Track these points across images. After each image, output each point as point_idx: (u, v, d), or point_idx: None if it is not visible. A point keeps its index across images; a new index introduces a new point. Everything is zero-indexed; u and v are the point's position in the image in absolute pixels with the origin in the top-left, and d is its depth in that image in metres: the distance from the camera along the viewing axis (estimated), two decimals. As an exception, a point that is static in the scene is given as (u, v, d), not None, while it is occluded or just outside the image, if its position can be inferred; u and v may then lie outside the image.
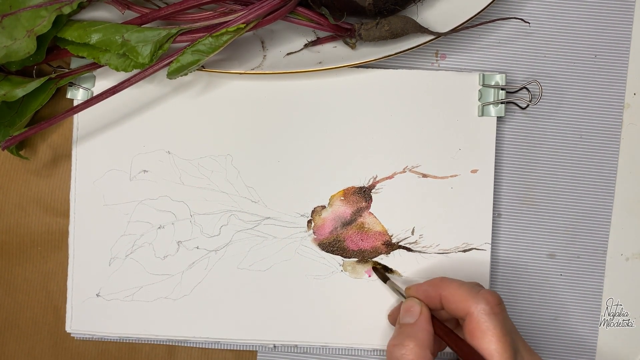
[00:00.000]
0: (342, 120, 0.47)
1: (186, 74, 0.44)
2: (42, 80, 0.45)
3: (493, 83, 0.47)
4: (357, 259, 0.47)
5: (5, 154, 0.49)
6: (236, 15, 0.43)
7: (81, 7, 0.44)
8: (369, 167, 0.47)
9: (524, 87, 0.47)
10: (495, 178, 0.47)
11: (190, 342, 0.48)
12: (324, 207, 0.48)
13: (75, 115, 0.47)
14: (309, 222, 0.48)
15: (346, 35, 0.45)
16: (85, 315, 0.48)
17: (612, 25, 0.48)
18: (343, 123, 0.47)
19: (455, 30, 0.45)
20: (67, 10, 0.43)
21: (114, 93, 0.44)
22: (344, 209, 0.48)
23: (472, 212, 0.47)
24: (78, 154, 0.48)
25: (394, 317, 0.46)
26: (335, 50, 0.46)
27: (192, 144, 0.48)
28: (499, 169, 0.48)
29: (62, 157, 0.49)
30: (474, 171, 0.47)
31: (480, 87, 0.47)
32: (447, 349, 0.45)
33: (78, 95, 0.48)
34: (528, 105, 0.48)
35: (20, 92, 0.44)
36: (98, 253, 0.47)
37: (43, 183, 0.49)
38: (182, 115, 0.48)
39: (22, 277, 0.49)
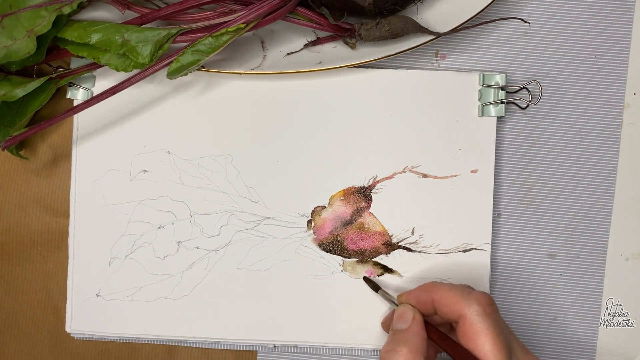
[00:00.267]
0: (342, 120, 0.47)
1: (186, 74, 0.44)
2: (42, 80, 0.45)
3: (493, 83, 0.47)
4: (357, 259, 0.47)
5: (5, 154, 0.49)
6: (236, 15, 0.43)
7: (81, 7, 0.44)
8: (369, 167, 0.47)
9: (524, 87, 0.47)
10: (495, 178, 0.47)
11: (190, 342, 0.48)
12: (324, 207, 0.48)
13: (75, 115, 0.47)
14: (309, 222, 0.48)
15: (346, 35, 0.45)
16: (85, 315, 0.48)
17: (612, 25, 0.48)
18: (343, 123, 0.47)
19: (455, 30, 0.45)
20: (67, 10, 0.42)
21: (114, 93, 0.44)
22: (344, 209, 0.48)
23: (472, 212, 0.47)
24: (78, 154, 0.48)
25: (387, 324, 0.46)
26: (335, 50, 0.46)
27: (192, 144, 0.48)
28: (498, 169, 0.48)
29: (62, 157, 0.49)
30: (474, 171, 0.47)
31: (480, 87, 0.47)
32: (443, 354, 0.45)
33: (78, 95, 0.48)
34: (528, 105, 0.48)
35: (20, 92, 0.44)
36: (98, 253, 0.47)
37: (43, 183, 0.49)
38: (182, 115, 0.48)
39: (22, 277, 0.49)
